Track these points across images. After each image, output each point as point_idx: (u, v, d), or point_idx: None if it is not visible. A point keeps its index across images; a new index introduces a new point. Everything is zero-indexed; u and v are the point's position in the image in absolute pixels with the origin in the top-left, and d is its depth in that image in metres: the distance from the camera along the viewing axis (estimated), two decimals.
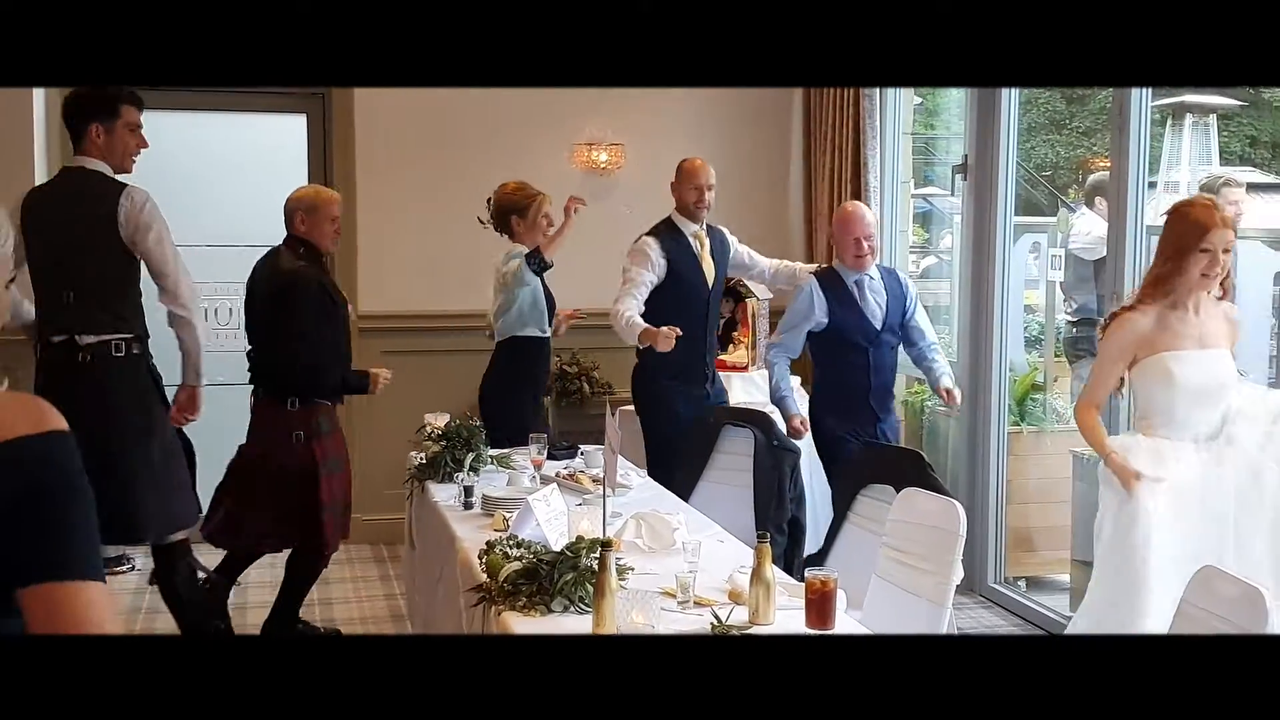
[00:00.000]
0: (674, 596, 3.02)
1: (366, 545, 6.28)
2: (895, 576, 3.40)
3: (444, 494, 4.17)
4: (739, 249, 5.56)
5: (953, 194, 6.15)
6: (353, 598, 5.68)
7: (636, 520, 3.59)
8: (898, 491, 3.61)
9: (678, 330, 4.82)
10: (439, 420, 4.65)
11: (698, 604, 2.98)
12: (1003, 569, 5.81)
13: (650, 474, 4.84)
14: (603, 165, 6.64)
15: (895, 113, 6.25)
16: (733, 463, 4.60)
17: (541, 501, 3.37)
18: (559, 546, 3.07)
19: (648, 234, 5.24)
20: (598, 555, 2.81)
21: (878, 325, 5.00)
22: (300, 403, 4.65)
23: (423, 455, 4.49)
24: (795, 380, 5.38)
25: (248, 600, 5.46)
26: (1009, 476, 5.77)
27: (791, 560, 4.35)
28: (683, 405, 5.17)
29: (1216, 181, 5.65)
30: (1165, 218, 3.85)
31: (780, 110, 6.85)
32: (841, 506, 4.09)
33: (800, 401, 5.29)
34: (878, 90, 5.96)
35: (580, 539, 2.98)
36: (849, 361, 5.00)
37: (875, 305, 5.01)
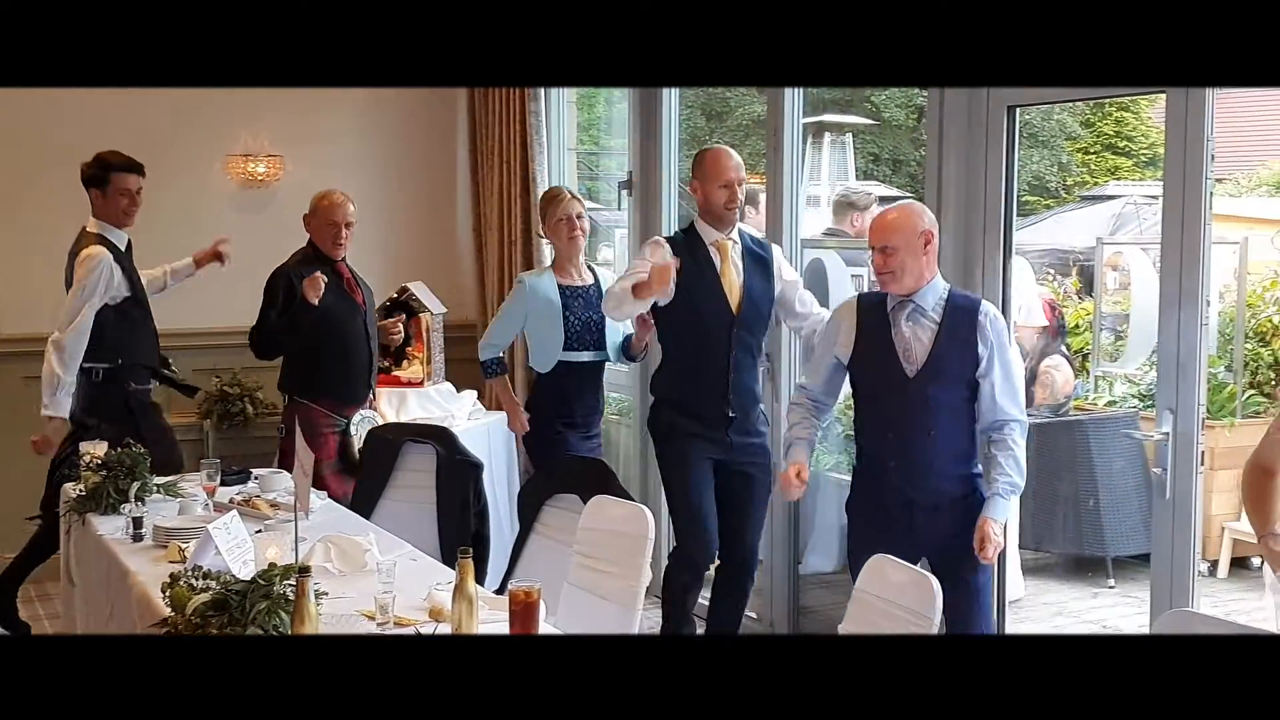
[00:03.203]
0: (373, 618, 2.99)
1: None
2: (587, 583, 3.47)
3: (109, 526, 3.94)
4: (789, 279, 4.52)
5: (618, 208, 6.30)
6: None
7: (325, 543, 3.51)
8: (584, 501, 3.69)
9: (675, 260, 4.13)
10: (98, 449, 4.37)
11: (398, 624, 2.97)
12: None
13: (678, 538, 4.39)
14: (260, 177, 6.42)
15: (560, 128, 6.35)
16: (415, 479, 4.56)
17: (222, 529, 3.23)
18: (244, 575, 2.96)
19: (665, 236, 4.65)
20: (292, 582, 2.74)
21: (909, 370, 3.58)
22: (289, 400, 5.14)
23: (81, 486, 4.22)
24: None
25: None
26: None
27: (478, 574, 4.35)
28: (697, 453, 4.36)
29: (867, 197, 6.02)
30: None
31: (445, 123, 6.81)
32: (527, 518, 4.13)
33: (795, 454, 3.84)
34: (543, 104, 6.03)
35: (273, 566, 2.88)
36: (873, 417, 3.70)
37: (913, 341, 3.59)
